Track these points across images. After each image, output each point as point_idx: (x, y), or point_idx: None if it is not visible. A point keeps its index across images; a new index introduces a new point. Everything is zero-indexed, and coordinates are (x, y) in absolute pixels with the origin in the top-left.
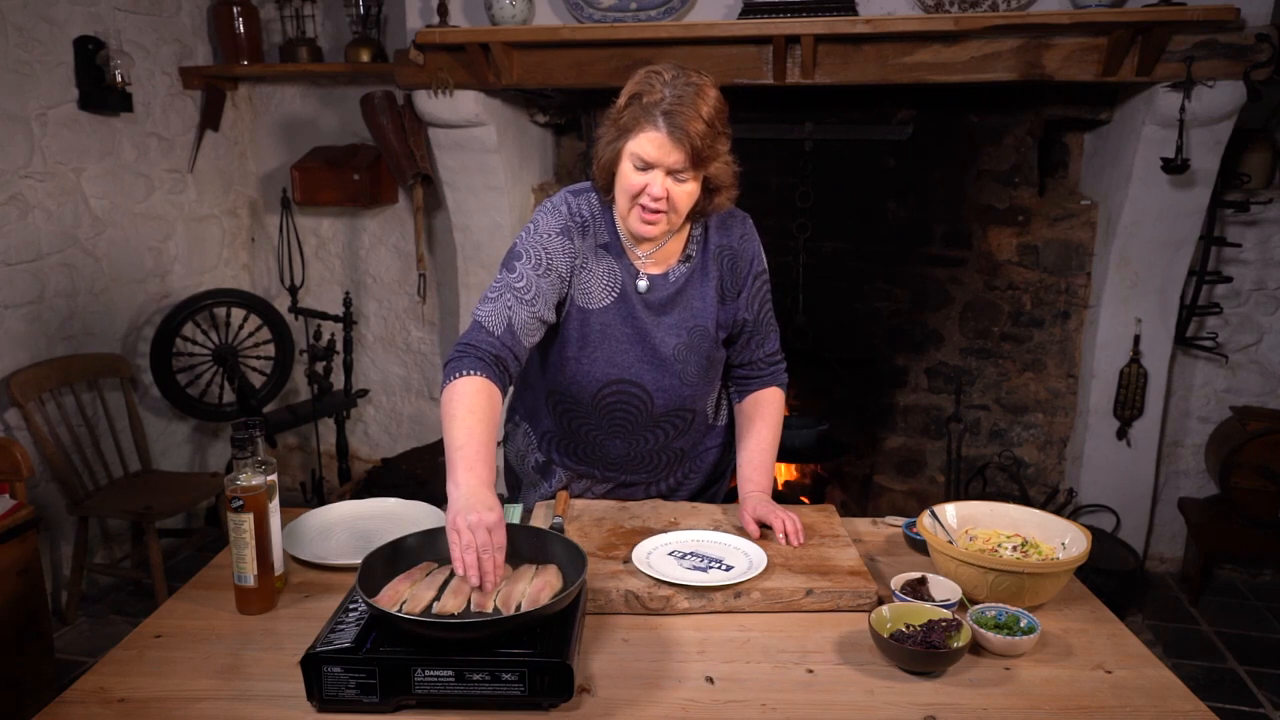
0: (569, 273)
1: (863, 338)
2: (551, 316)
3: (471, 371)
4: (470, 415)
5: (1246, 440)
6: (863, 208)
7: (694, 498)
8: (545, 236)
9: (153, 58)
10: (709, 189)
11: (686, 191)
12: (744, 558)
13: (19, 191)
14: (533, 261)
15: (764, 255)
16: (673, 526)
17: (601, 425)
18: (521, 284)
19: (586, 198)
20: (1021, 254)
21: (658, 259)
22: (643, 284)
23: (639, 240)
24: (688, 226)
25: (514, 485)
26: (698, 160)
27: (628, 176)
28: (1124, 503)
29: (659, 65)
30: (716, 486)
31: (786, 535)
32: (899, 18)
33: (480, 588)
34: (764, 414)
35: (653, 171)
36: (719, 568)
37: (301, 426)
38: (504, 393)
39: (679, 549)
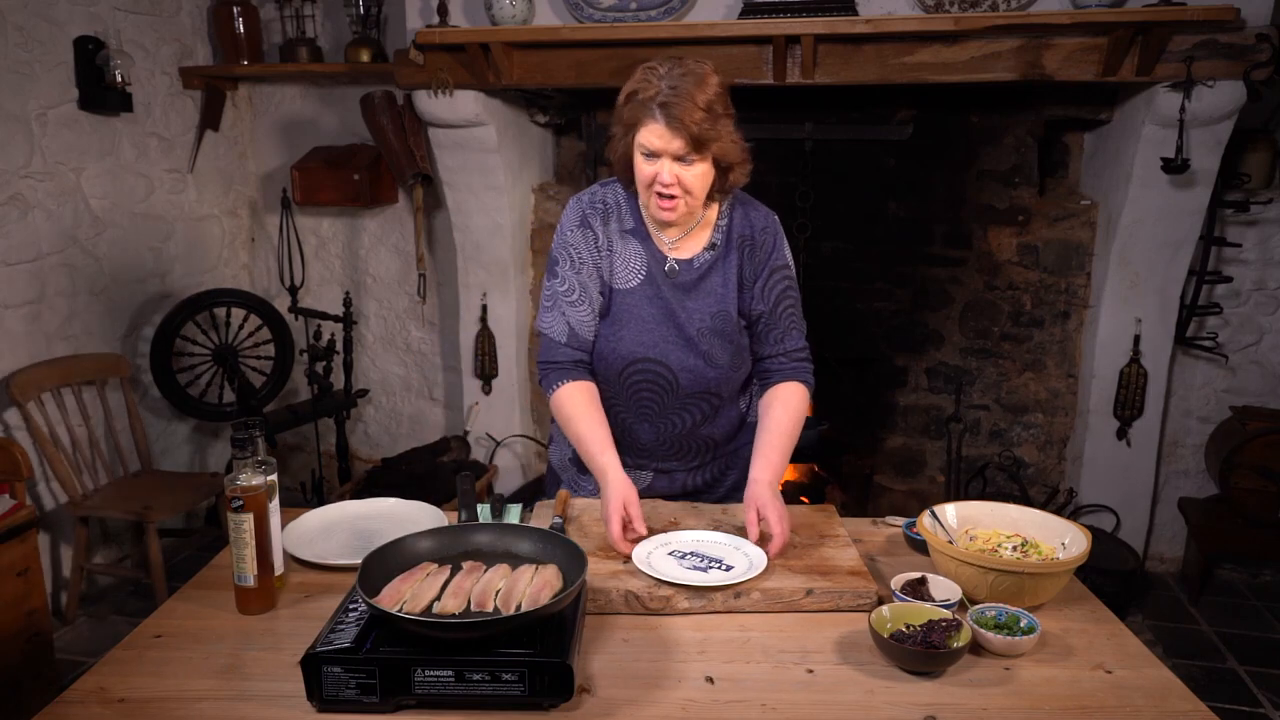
0: (597, 257)
1: (863, 338)
2: (600, 299)
3: (561, 383)
4: (581, 413)
5: (1246, 440)
6: (863, 208)
7: (735, 491)
8: (568, 234)
9: (153, 58)
10: (721, 167)
11: (697, 174)
12: (744, 558)
13: (19, 191)
14: (567, 262)
15: (786, 250)
16: (673, 526)
17: (629, 406)
18: (564, 287)
19: (612, 187)
20: (1021, 254)
21: (683, 246)
22: (670, 266)
23: (664, 226)
24: (714, 214)
25: (554, 483)
26: (698, 145)
27: (640, 167)
28: (1124, 503)
29: (655, 60)
30: None
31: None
32: (899, 18)
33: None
34: (782, 399)
35: (660, 160)
36: (719, 568)
37: (301, 426)
38: (594, 379)
39: (679, 549)
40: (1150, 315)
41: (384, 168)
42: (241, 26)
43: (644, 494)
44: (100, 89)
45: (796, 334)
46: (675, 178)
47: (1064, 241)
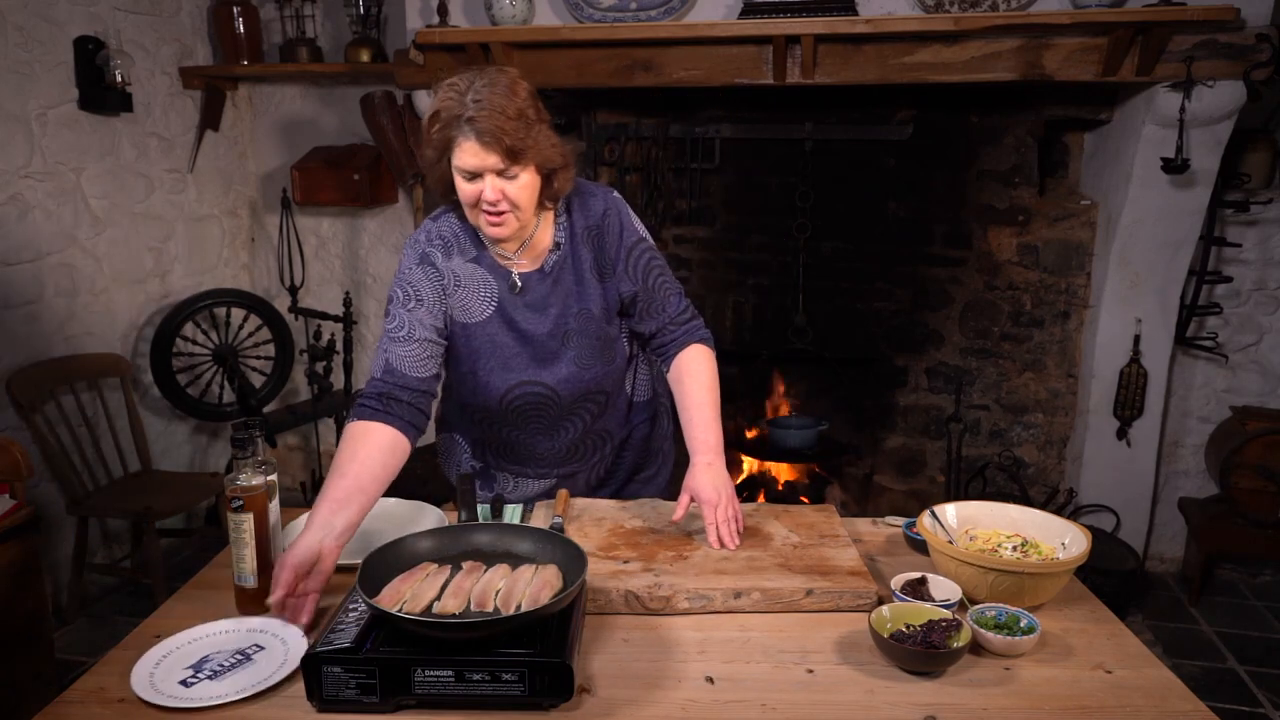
0: (440, 294)
1: (863, 338)
2: (440, 338)
3: (353, 419)
4: (344, 452)
5: (1246, 440)
6: (863, 208)
7: (632, 477)
8: (407, 271)
9: (153, 58)
10: (544, 174)
11: (521, 185)
12: (280, 645)
13: (19, 191)
14: (400, 299)
15: (637, 224)
16: (673, 526)
17: (519, 425)
18: (394, 324)
19: (446, 218)
20: (1021, 254)
21: (528, 257)
22: (517, 283)
23: (501, 242)
24: (550, 217)
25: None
26: (514, 156)
27: (462, 189)
28: (1124, 503)
29: (456, 76)
30: (656, 467)
31: (721, 538)
32: (899, 18)
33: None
34: (690, 370)
35: (482, 179)
36: (245, 660)
37: (301, 426)
38: (399, 420)
39: (190, 656)
40: (1150, 315)
41: (384, 168)
42: (241, 26)
43: (549, 498)
44: (100, 89)
45: (675, 298)
46: (500, 193)
47: (1064, 241)
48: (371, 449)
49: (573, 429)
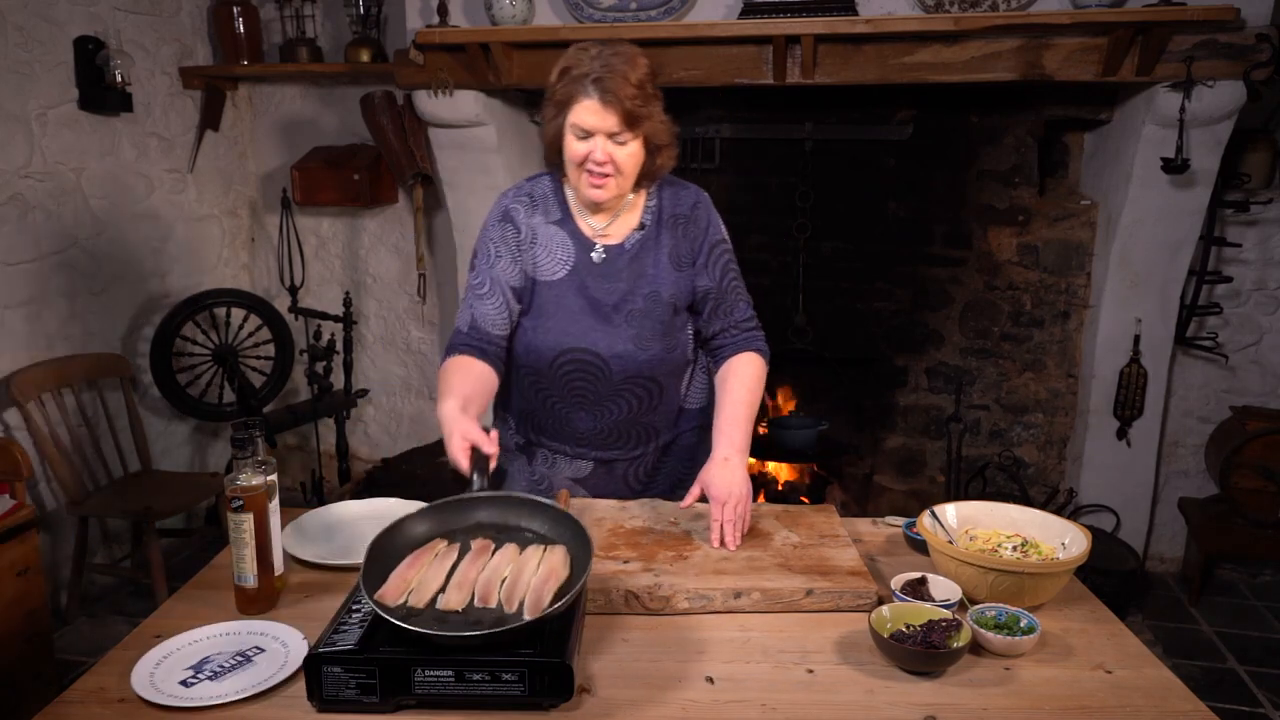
0: (517, 250)
1: (863, 338)
2: (516, 299)
3: (448, 357)
4: (449, 373)
5: (1246, 440)
6: (863, 208)
7: (678, 486)
8: (489, 229)
9: (153, 58)
10: (650, 149)
11: (629, 153)
12: (280, 648)
13: (19, 191)
14: (483, 256)
15: (722, 227)
16: (673, 526)
17: (564, 396)
18: (477, 280)
19: (540, 180)
20: (1021, 254)
21: (612, 231)
22: (598, 255)
23: (593, 212)
24: (642, 197)
25: (499, 472)
26: (632, 121)
27: (571, 146)
28: (1124, 503)
29: (586, 41)
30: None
31: (722, 538)
32: (899, 18)
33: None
34: (736, 372)
35: (593, 139)
36: (245, 662)
37: (301, 426)
38: (491, 362)
39: (191, 657)
40: (1150, 315)
41: (384, 168)
42: (241, 26)
43: (585, 484)
44: (100, 89)
45: (744, 305)
46: (609, 156)
47: (1064, 241)
48: (477, 372)
49: (617, 410)
